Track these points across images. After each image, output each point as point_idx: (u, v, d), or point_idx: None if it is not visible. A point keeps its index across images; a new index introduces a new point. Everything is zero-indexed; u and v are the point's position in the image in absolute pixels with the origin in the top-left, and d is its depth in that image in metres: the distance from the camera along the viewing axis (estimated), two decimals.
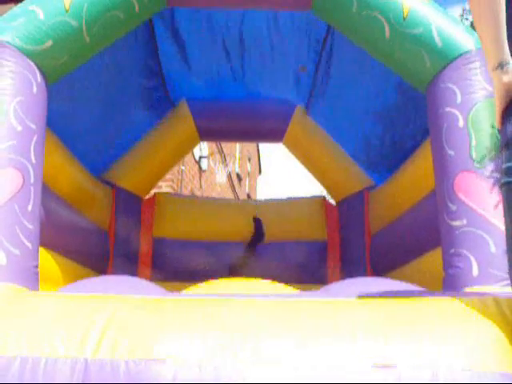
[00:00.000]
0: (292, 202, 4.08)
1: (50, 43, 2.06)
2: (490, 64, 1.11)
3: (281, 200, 4.19)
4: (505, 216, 1.10)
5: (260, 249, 3.81)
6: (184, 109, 3.80)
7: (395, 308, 1.25)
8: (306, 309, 1.26)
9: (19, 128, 1.93)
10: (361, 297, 1.48)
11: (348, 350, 1.09)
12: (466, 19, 10.14)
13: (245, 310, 1.23)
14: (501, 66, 1.08)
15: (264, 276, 3.18)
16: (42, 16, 2.03)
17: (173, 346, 1.09)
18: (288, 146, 4.05)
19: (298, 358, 1.08)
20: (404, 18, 2.00)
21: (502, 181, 1.09)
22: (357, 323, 1.17)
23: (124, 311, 1.18)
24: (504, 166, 1.09)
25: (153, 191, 4.37)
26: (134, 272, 3.67)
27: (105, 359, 1.06)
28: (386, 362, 1.06)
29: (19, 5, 2.09)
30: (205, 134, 3.99)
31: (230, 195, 11.54)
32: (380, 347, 1.09)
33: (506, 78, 1.08)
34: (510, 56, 1.08)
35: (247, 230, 3.80)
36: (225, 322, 1.15)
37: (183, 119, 3.84)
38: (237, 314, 1.20)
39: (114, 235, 3.63)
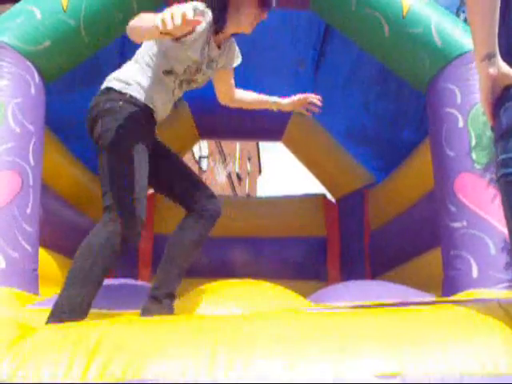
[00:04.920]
0: (292, 199, 4.08)
1: (47, 43, 2.05)
2: (478, 55, 1.10)
3: (281, 197, 4.19)
4: (504, 210, 1.09)
5: (260, 245, 3.82)
6: (184, 107, 3.79)
7: (399, 317, 1.24)
8: (303, 321, 1.23)
9: (17, 130, 1.93)
10: (363, 305, 1.47)
11: (350, 359, 1.06)
12: (463, 12, 10.01)
13: (239, 326, 1.19)
14: (488, 57, 1.07)
15: (264, 272, 3.17)
16: (39, 16, 2.02)
17: (166, 365, 1.05)
18: (287, 145, 4.04)
19: (297, 371, 1.05)
20: (403, 17, 1.98)
21: (499, 173, 1.08)
22: (359, 332, 1.15)
23: (114, 332, 1.14)
24: (500, 157, 1.08)
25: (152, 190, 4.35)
26: (134, 270, 3.68)
27: (94, 383, 1.03)
28: (391, 370, 1.04)
29: (16, 5, 2.07)
30: (204, 132, 3.98)
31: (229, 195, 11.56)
32: (384, 356, 1.07)
33: (492, 70, 1.07)
34: (497, 48, 1.08)
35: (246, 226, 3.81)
36: (218, 340, 1.11)
37: (183, 118, 3.83)
38: (232, 330, 1.15)
39: None
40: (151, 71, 1.59)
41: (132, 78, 1.57)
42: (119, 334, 1.14)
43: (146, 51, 1.61)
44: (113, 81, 1.57)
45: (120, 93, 1.53)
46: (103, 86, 1.58)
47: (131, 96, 1.54)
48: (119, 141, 1.49)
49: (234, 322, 1.20)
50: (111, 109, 1.51)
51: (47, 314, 1.41)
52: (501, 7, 1.07)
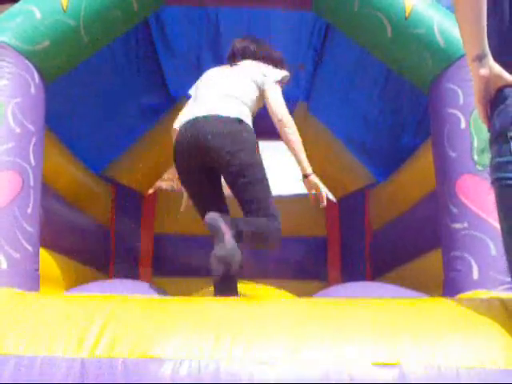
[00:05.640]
0: (292, 198, 4.07)
1: (47, 43, 2.04)
2: (468, 56, 1.10)
3: (281, 196, 4.18)
4: (498, 212, 1.10)
5: None
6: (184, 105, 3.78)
7: (399, 309, 1.25)
8: (305, 309, 1.26)
9: (18, 130, 1.92)
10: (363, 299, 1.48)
11: (349, 347, 1.08)
12: None
13: (244, 310, 1.23)
14: (479, 58, 1.07)
15: (264, 272, 3.17)
16: (39, 15, 2.01)
17: (171, 345, 1.08)
18: None
19: (297, 356, 1.07)
20: (406, 18, 1.97)
21: (494, 176, 1.08)
22: (359, 322, 1.16)
23: (122, 311, 1.19)
24: (494, 161, 1.08)
25: (152, 190, 4.35)
26: (135, 269, 3.68)
27: (102, 358, 1.06)
28: (389, 360, 1.05)
29: (16, 4, 2.07)
30: None
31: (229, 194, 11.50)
32: (383, 346, 1.09)
33: (483, 71, 1.08)
34: (488, 49, 1.07)
35: None
36: (222, 323, 1.14)
37: None
38: (237, 314, 1.20)
39: (114, 232, 3.63)
40: (250, 113, 2.03)
41: (247, 115, 1.98)
42: (129, 312, 1.18)
43: (251, 97, 2.01)
44: (240, 114, 1.92)
45: (248, 125, 1.95)
46: (232, 115, 1.89)
47: (251, 128, 1.98)
48: (260, 162, 1.93)
49: (238, 307, 1.23)
50: (251, 139, 1.94)
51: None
52: (488, 7, 1.07)
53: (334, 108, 3.48)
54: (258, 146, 1.97)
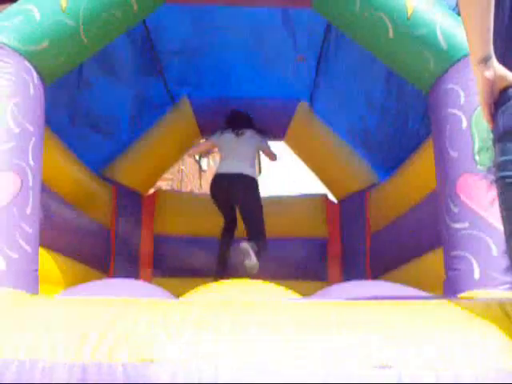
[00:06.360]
0: (293, 199, 4.07)
1: (46, 43, 2.03)
2: (473, 58, 1.10)
3: (282, 197, 4.18)
4: (501, 211, 1.10)
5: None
6: (185, 105, 3.78)
7: (397, 310, 1.25)
8: (304, 310, 1.26)
9: (17, 130, 1.91)
10: (362, 299, 1.48)
11: (347, 350, 1.08)
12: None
13: (244, 312, 1.23)
14: (484, 60, 1.07)
15: (264, 272, 3.17)
16: (38, 16, 2.00)
17: (170, 348, 1.09)
18: (290, 144, 4.03)
19: (297, 358, 1.07)
20: (408, 19, 1.96)
21: (497, 175, 1.09)
22: (357, 323, 1.16)
23: (123, 314, 1.18)
24: (498, 160, 1.08)
25: (152, 190, 4.35)
26: (135, 269, 3.68)
27: (102, 362, 1.06)
28: (386, 362, 1.05)
29: (15, 4, 2.06)
30: (206, 131, 3.97)
31: None
32: (380, 348, 1.08)
33: (488, 74, 1.07)
34: (493, 51, 1.07)
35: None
36: (223, 324, 1.15)
37: (184, 115, 3.82)
38: (237, 316, 1.19)
39: (115, 233, 3.63)
40: (256, 169, 3.45)
41: (255, 172, 3.45)
42: (130, 315, 1.18)
43: (256, 161, 3.50)
44: (253, 174, 3.38)
45: (256, 180, 3.40)
46: (248, 174, 3.31)
47: (257, 180, 3.43)
48: (260, 199, 3.34)
49: (238, 309, 1.24)
50: (257, 187, 3.35)
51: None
52: (494, 9, 1.07)
53: (337, 105, 3.48)
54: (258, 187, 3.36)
